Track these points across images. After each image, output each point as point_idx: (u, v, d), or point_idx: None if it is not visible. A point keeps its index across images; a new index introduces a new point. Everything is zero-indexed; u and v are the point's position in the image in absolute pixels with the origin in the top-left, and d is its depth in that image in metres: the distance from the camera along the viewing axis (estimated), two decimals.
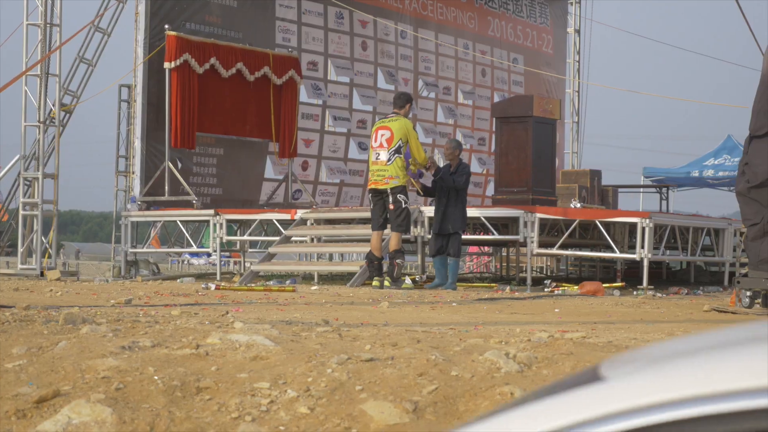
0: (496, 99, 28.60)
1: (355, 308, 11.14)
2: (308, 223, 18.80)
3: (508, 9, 30.11)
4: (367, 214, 17.92)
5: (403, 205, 15.80)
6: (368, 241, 16.69)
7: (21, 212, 20.18)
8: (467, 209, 17.05)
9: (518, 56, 30.39)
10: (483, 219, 18.22)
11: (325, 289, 15.51)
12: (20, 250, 20.03)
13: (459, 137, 28.54)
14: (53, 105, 20.36)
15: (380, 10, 25.79)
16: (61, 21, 20.26)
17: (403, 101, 16.30)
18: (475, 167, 29.14)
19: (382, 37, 26.11)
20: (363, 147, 25.57)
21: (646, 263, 17.09)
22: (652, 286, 17.21)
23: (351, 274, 16.99)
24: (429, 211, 18.39)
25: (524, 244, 17.68)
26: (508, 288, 17.03)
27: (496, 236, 18.61)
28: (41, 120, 20.05)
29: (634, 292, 16.73)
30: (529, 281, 17.62)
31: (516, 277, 20.89)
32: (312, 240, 18.71)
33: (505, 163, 19.40)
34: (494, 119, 20.64)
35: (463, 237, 17.83)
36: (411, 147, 15.85)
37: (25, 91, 19.96)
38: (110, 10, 21.82)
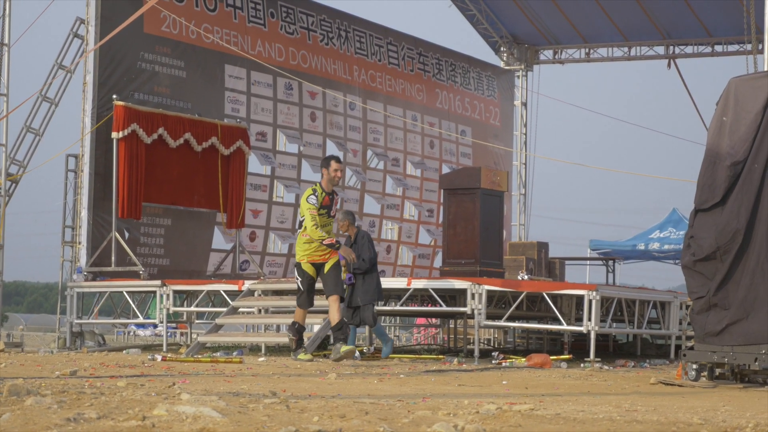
0: (445, 170, 28.74)
1: (302, 380, 11.08)
2: (256, 293, 18.72)
3: (455, 81, 30.36)
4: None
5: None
6: (316, 312, 16.62)
7: None
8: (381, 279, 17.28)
9: (466, 128, 30.61)
10: (431, 290, 18.22)
11: (273, 360, 15.44)
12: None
13: (408, 208, 28.68)
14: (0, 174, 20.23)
15: (329, 82, 25.93)
16: (8, 90, 20.21)
17: (321, 164, 15.26)
18: (423, 238, 29.24)
19: (331, 108, 26.23)
20: None
21: (593, 336, 17.13)
22: (599, 359, 17.25)
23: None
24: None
25: (472, 316, 17.67)
26: (455, 360, 17.01)
27: (444, 308, 18.61)
28: None
29: (582, 365, 16.75)
30: (476, 353, 17.61)
31: (464, 349, 20.86)
32: (259, 311, 18.61)
33: (452, 235, 19.47)
34: (442, 190, 20.73)
35: (411, 308, 17.86)
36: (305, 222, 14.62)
37: None
38: (58, 79, 21.78)
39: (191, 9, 22.69)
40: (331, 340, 15.63)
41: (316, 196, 14.45)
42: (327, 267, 14.58)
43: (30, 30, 20.39)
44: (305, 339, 15.60)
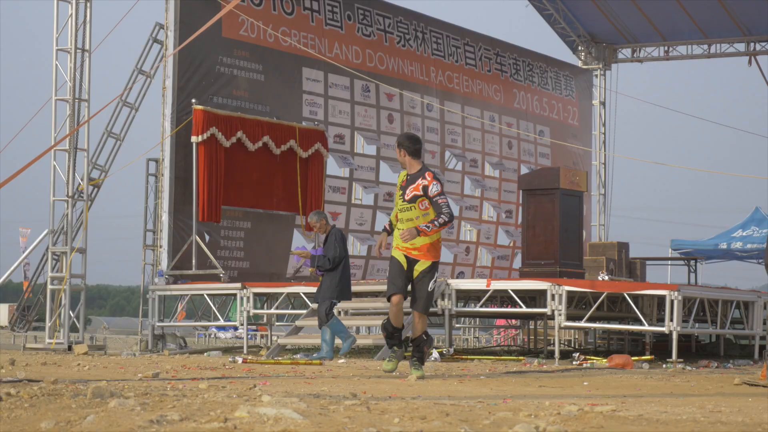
0: (523, 171, 28.63)
1: (382, 381, 11.08)
2: None
3: (533, 82, 30.23)
4: None
5: None
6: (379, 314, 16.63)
7: (49, 287, 20.22)
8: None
9: (544, 128, 30.47)
10: (510, 292, 18.15)
11: (353, 362, 15.45)
12: (48, 324, 20.05)
13: (487, 209, 28.59)
14: (81, 179, 20.47)
15: (406, 83, 25.94)
16: (90, 96, 20.43)
17: None
18: (502, 239, 29.14)
19: (408, 110, 26.23)
20: None
21: (675, 336, 16.97)
22: (681, 359, 17.07)
23: (379, 347, 16.92)
24: (456, 283, 18.39)
25: (552, 317, 17.58)
26: (536, 361, 16.92)
27: (524, 309, 18.54)
28: (70, 194, 20.15)
29: (664, 366, 16.59)
30: (557, 354, 17.51)
31: (544, 350, 20.77)
32: (339, 313, 18.65)
33: (532, 236, 19.39)
34: (521, 191, 20.64)
35: (491, 309, 17.83)
36: None
37: (54, 165, 20.07)
38: (138, 84, 22.04)
39: (269, 12, 22.80)
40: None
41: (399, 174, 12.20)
42: (417, 272, 11.95)
43: (110, 36, 20.61)
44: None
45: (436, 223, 11.58)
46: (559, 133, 30.53)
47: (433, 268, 11.99)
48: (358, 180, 25.05)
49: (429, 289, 11.92)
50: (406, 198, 11.82)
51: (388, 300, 12.03)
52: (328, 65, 23.76)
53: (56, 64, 20.25)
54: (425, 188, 11.69)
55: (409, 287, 12.09)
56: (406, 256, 11.91)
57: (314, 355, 17.25)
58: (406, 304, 12.03)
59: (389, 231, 12.41)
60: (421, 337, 12.00)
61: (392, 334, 12.19)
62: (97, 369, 12.88)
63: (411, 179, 11.86)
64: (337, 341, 16.80)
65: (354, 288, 19.12)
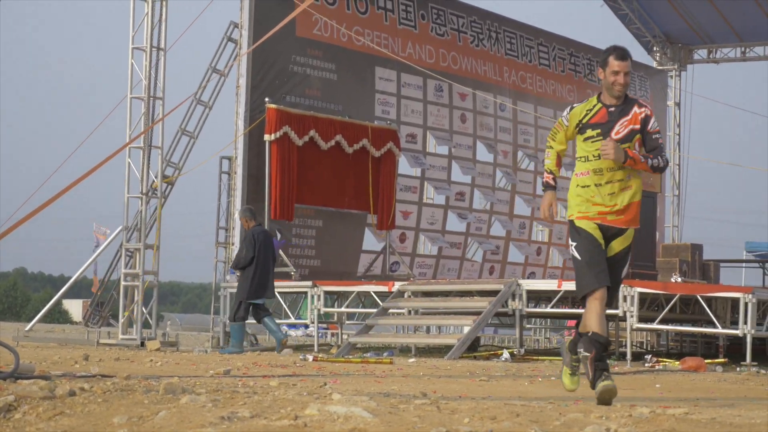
0: None
1: (453, 381, 11.06)
2: (406, 295, 18.77)
3: None
4: (465, 287, 17.94)
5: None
6: (466, 314, 16.62)
7: (122, 283, 20.41)
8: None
9: None
10: None
11: (423, 361, 15.44)
12: (121, 320, 20.25)
13: (559, 210, 28.34)
14: (155, 176, 20.64)
15: (479, 83, 25.87)
16: (164, 94, 20.59)
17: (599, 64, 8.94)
18: None
19: (481, 110, 26.17)
20: (462, 217, 25.60)
21: (749, 339, 16.77)
22: (756, 363, 16.87)
23: (449, 347, 16.90)
24: (527, 283, 18.33)
25: (624, 319, 17.45)
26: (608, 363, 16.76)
27: None
28: (144, 191, 20.33)
29: (738, 369, 16.40)
30: (629, 356, 17.37)
31: (616, 352, 20.61)
32: (409, 312, 18.66)
33: None
34: None
35: (562, 310, 17.79)
36: None
37: (129, 162, 20.26)
38: (212, 83, 22.16)
39: (342, 12, 22.85)
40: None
41: (572, 109, 8.64)
42: (616, 249, 8.54)
43: (185, 34, 20.78)
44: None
45: (653, 161, 8.40)
46: None
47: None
48: (429, 179, 25.03)
49: (624, 274, 9.02)
50: (618, 135, 8.35)
51: (583, 299, 8.56)
52: (401, 65, 23.76)
53: (132, 63, 20.43)
54: (646, 120, 8.41)
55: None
56: (600, 226, 8.48)
57: (224, 350, 17.88)
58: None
59: (554, 185, 9.13)
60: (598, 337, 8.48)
61: (606, 347, 8.60)
62: (169, 365, 12.98)
63: (618, 111, 8.44)
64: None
65: (424, 288, 19.15)
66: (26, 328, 21.42)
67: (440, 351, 18.60)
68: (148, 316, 20.61)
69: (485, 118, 26.32)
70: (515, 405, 7.28)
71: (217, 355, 16.31)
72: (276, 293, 18.67)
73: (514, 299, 17.89)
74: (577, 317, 26.04)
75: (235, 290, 18.10)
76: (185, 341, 24.72)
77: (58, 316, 70.60)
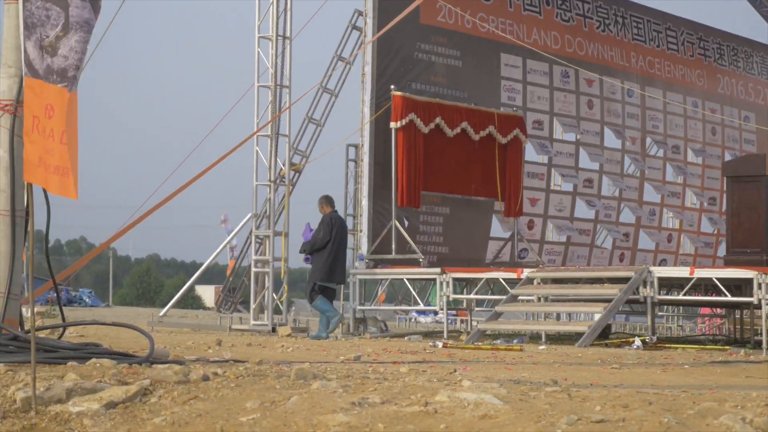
0: (727, 157, 27.99)
1: (583, 369, 10.97)
2: (535, 282, 18.68)
3: (738, 66, 29.50)
4: (595, 274, 17.81)
5: None
6: (596, 301, 16.48)
7: (253, 269, 20.66)
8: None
9: (750, 114, 29.71)
10: (715, 280, 17.77)
11: (553, 348, 15.36)
12: (252, 306, 20.49)
13: (689, 196, 28.05)
14: (283, 164, 20.82)
15: (606, 69, 25.60)
16: (291, 82, 20.75)
17: None
18: (705, 227, 28.56)
19: (608, 96, 25.90)
20: (591, 204, 25.39)
21: None
22: None
23: (579, 334, 16.78)
24: (658, 270, 18.11)
25: (759, 307, 17.13)
26: (742, 351, 16.51)
27: (729, 298, 18.12)
28: (272, 179, 20.52)
29: None
30: (764, 345, 17.05)
31: (751, 340, 20.26)
32: (539, 299, 18.57)
33: (737, 224, 18.94)
34: (725, 178, 20.18)
35: (695, 297, 17.59)
36: None
37: (257, 151, 20.47)
38: (338, 71, 22.30)
39: None
40: None
41: None
42: None
43: (310, 23, 20.92)
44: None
45: None
46: (765, 119, 29.72)
47: None
48: (556, 166, 24.87)
49: None
50: None
51: None
52: (527, 51, 23.61)
53: (258, 51, 20.63)
54: None
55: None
56: None
57: (311, 335, 18.04)
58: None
59: None
60: None
61: None
62: (300, 351, 13.10)
63: None
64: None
65: (553, 275, 19.04)
66: (160, 314, 21.79)
67: (570, 338, 18.47)
68: (279, 302, 20.83)
69: (613, 104, 26.05)
70: (647, 393, 7.19)
71: (347, 341, 16.42)
72: (347, 279, 19.55)
73: (645, 286, 17.68)
74: (711, 304, 25.65)
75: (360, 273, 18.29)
76: (315, 327, 24.91)
77: (191, 301, 71.70)
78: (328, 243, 17.90)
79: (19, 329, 8.89)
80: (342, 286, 20.88)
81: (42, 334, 9.48)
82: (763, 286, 16.72)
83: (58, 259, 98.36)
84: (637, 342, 16.55)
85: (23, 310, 9.33)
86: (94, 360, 8.06)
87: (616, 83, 25.82)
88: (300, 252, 18.34)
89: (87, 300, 67.21)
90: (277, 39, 20.63)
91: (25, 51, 7.09)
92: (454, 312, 27.30)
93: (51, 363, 7.99)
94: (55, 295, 10.15)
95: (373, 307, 22.75)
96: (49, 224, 9.19)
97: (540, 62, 24.22)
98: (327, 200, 18.63)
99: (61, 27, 6.98)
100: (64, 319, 10.15)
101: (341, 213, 22.05)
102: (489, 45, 23.31)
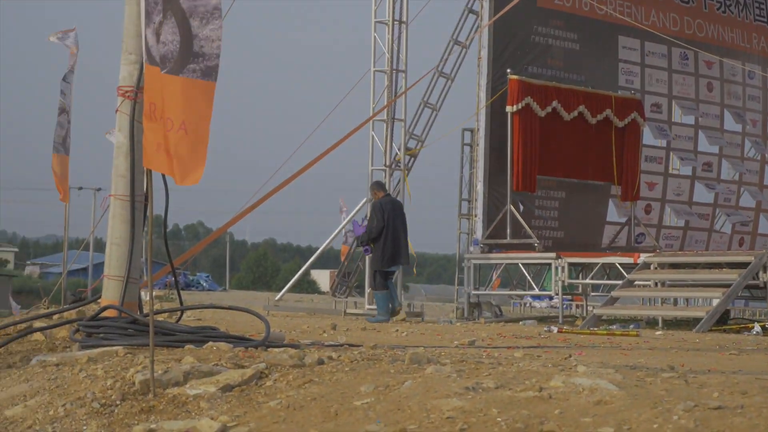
0: None
1: (701, 354, 10.84)
2: (652, 267, 18.47)
3: None
4: (714, 259, 17.55)
5: None
6: (715, 286, 16.23)
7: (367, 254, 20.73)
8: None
9: None
10: None
11: (670, 334, 15.18)
12: (367, 290, 20.57)
13: None
14: (398, 149, 20.87)
15: (726, 51, 25.16)
16: (407, 67, 20.78)
17: None
18: None
19: (728, 78, 25.47)
20: (710, 188, 25.01)
21: None
22: None
23: (697, 320, 16.57)
24: None
25: None
26: None
27: None
28: (387, 164, 20.58)
29: None
30: None
31: None
32: (656, 284, 18.37)
33: None
34: None
35: None
36: None
37: (372, 135, 20.54)
38: (453, 55, 22.24)
39: None
40: None
41: None
42: None
43: (426, 7, 20.92)
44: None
45: None
46: None
47: None
48: (675, 150, 24.53)
49: None
50: None
51: None
52: (645, 33, 23.31)
53: (374, 36, 20.69)
54: None
55: None
56: None
57: (371, 319, 17.84)
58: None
59: None
60: None
61: None
62: (414, 335, 13.13)
63: None
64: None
65: (670, 259, 18.79)
66: (276, 298, 22.00)
67: (688, 324, 18.25)
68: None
69: (733, 86, 25.61)
70: (767, 380, 7.08)
71: (462, 326, 16.41)
72: (410, 260, 19.29)
73: (765, 271, 17.38)
74: None
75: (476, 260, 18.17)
76: (430, 312, 24.96)
77: (306, 285, 72.30)
78: (383, 229, 17.90)
79: (138, 313, 9.05)
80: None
81: (160, 318, 9.65)
82: None
83: (176, 244, 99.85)
84: (757, 328, 16.28)
85: (142, 293, 9.49)
86: (210, 343, 8.17)
87: (736, 65, 25.38)
88: (358, 245, 18.38)
89: (204, 284, 68.14)
90: (393, 24, 20.67)
91: (145, 38, 7.19)
92: (569, 297, 27.14)
93: (169, 346, 8.13)
94: (173, 279, 10.32)
95: (487, 291, 22.71)
96: (167, 209, 9.34)
97: (658, 44, 23.89)
98: (378, 185, 18.57)
99: (168, 14, 7.05)
100: (181, 303, 10.31)
101: (455, 198, 22.03)
102: (606, 27, 23.07)
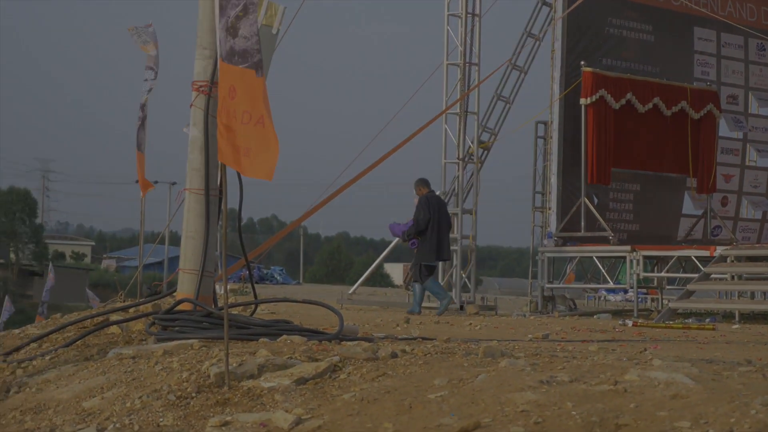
0: None
1: None
2: (728, 260, 18.28)
3: None
4: None
5: None
6: None
7: None
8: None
9: None
10: None
11: (747, 328, 15.02)
12: (441, 284, 20.56)
13: None
14: (471, 142, 20.84)
15: None
16: (480, 60, 20.75)
17: None
18: None
19: None
20: None
21: None
22: None
23: None
24: None
25: None
26: None
27: None
28: (460, 157, 20.55)
29: None
30: None
31: None
32: (732, 277, 18.18)
33: None
34: None
35: None
36: None
37: (445, 128, 20.53)
38: (527, 47, 22.17)
39: None
40: None
41: None
42: None
43: (500, 0, 20.85)
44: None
45: None
46: None
47: None
48: (752, 141, 24.26)
49: None
50: None
51: None
52: (721, 24, 23.08)
53: (447, 29, 20.68)
54: None
55: None
56: None
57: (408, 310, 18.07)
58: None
59: None
60: None
61: None
62: (488, 329, 13.11)
63: None
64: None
65: (748, 252, 18.57)
66: (350, 291, 22.06)
67: (765, 317, 18.05)
68: (466, 280, 20.87)
69: None
70: None
71: (536, 320, 16.35)
72: (451, 255, 19.36)
73: None
74: None
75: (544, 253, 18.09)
76: (503, 305, 24.88)
77: (380, 279, 72.45)
78: (429, 222, 17.90)
79: (213, 306, 9.11)
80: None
81: (235, 311, 9.70)
82: None
83: (251, 237, 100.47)
84: None
85: (216, 287, 9.56)
86: (284, 336, 8.21)
87: None
88: (404, 240, 18.35)
89: (278, 277, 68.45)
90: (466, 16, 20.65)
91: (218, 34, 7.22)
92: (644, 290, 26.93)
93: (243, 339, 8.17)
94: (248, 272, 10.37)
95: (561, 285, 22.60)
96: (241, 202, 9.38)
97: (735, 35, 23.64)
98: (423, 182, 18.56)
99: (242, 7, 7.08)
100: (255, 297, 10.36)
101: (529, 191, 21.94)
102: (682, 19, 22.86)
